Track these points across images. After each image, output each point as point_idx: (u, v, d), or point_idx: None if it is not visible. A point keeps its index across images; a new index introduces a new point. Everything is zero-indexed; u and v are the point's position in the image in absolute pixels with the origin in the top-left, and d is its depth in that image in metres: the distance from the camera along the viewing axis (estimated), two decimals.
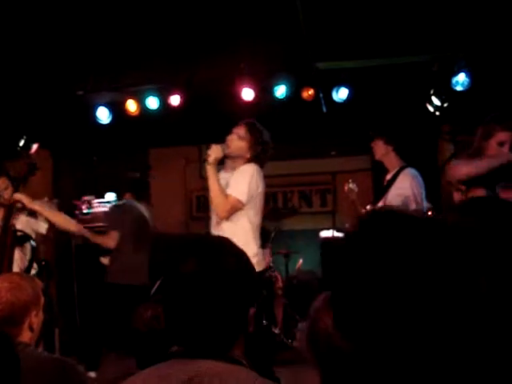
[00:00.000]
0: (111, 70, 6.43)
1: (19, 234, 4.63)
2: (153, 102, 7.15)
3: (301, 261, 7.45)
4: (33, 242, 4.73)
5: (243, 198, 4.19)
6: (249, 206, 4.23)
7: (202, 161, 4.37)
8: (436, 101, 6.49)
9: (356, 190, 5.41)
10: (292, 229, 8.09)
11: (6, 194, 4.68)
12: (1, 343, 1.26)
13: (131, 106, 7.18)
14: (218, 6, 5.61)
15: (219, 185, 4.21)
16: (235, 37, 5.91)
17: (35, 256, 4.75)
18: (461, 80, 6.31)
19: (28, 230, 4.74)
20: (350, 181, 5.50)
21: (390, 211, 1.04)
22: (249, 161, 4.33)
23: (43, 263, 5.33)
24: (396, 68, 6.35)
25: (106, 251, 5.85)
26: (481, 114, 4.02)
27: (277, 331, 6.55)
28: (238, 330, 1.62)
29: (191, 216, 8.98)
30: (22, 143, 7.19)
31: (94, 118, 7.31)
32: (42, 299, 2.49)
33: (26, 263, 4.65)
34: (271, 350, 6.38)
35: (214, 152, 4.24)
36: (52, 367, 2.19)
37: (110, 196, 8.01)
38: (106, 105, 7.28)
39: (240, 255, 1.64)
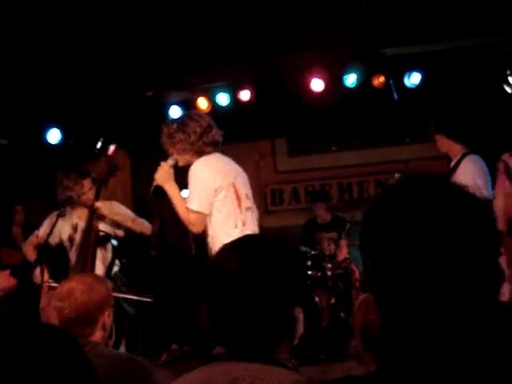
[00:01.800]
0: (180, 69, 6.53)
1: (101, 234, 4.77)
2: (223, 99, 7.22)
3: None
4: (114, 242, 4.88)
5: (199, 208, 3.81)
6: (218, 205, 3.85)
7: (153, 185, 4.07)
8: None
9: None
10: None
11: (91, 195, 4.82)
12: (72, 349, 1.30)
13: (202, 103, 7.28)
14: (284, 0, 5.60)
15: (181, 201, 3.90)
16: (301, 28, 5.87)
17: (117, 255, 4.90)
18: None
19: (109, 231, 4.89)
20: (397, 174, 5.26)
21: (413, 176, 1.16)
22: (198, 157, 3.95)
23: (124, 260, 5.50)
24: (468, 50, 6.16)
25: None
26: None
27: None
28: (283, 332, 1.59)
29: (266, 210, 9.00)
30: (99, 145, 7.43)
31: (168, 116, 7.44)
32: (113, 299, 2.57)
33: (108, 262, 4.80)
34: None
35: (161, 171, 3.98)
36: (123, 365, 2.25)
37: (186, 193, 8.15)
38: (178, 103, 7.40)
39: (283, 253, 1.62)
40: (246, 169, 8.74)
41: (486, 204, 1.16)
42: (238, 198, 3.92)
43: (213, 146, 4.01)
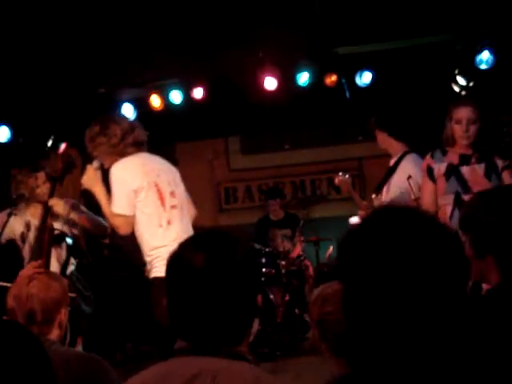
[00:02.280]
0: (132, 67, 6.47)
1: (56, 232, 4.68)
2: (176, 96, 7.17)
3: (331, 248, 7.43)
4: (69, 240, 4.79)
5: (121, 210, 3.84)
6: (140, 205, 3.85)
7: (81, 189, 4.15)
8: (461, 80, 6.41)
9: (349, 180, 5.21)
10: (321, 216, 8.08)
11: (45, 189, 4.73)
12: (30, 342, 1.28)
13: (155, 101, 7.21)
14: None
15: (106, 204, 3.91)
16: (254, 26, 5.89)
17: (72, 253, 4.81)
18: (485, 58, 6.22)
19: (65, 229, 4.80)
20: (341, 173, 5.27)
21: (387, 210, 1.28)
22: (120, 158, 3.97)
23: (84, 260, 5.42)
24: (418, 49, 6.28)
25: None
26: (507, 92, 3.97)
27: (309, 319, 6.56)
28: (246, 325, 1.61)
29: (220, 208, 9.01)
30: (50, 143, 7.30)
31: (120, 114, 7.36)
32: (69, 297, 2.53)
33: (63, 260, 4.72)
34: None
35: (87, 174, 4.02)
36: (79, 363, 2.23)
37: None
38: (131, 101, 7.33)
39: (243, 247, 1.63)
40: (199, 167, 8.85)
41: (455, 233, 1.29)
42: (161, 196, 3.91)
43: (136, 146, 4.01)
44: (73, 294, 4.04)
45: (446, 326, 1.13)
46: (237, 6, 5.74)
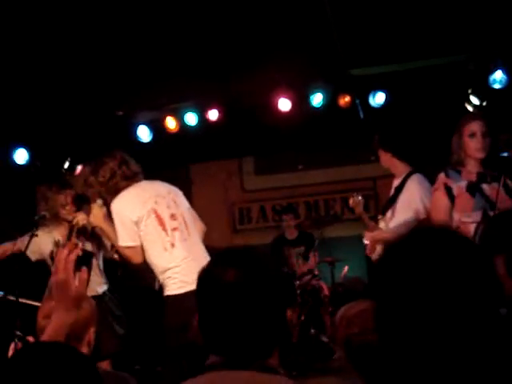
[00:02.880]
0: (148, 89, 6.55)
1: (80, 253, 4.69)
2: (191, 118, 7.26)
3: (346, 268, 7.43)
4: (93, 259, 4.82)
5: (128, 242, 4.03)
6: (143, 234, 4.00)
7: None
8: (475, 100, 6.44)
9: (362, 201, 5.21)
10: (336, 236, 8.08)
11: (73, 207, 4.78)
12: (83, 362, 1.32)
13: (170, 123, 7.30)
14: (249, 20, 5.68)
15: (116, 239, 4.11)
16: (269, 49, 5.95)
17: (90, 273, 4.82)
18: (498, 78, 6.26)
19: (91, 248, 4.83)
20: (355, 194, 5.29)
21: (424, 230, 1.32)
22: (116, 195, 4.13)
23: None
24: (431, 70, 6.32)
25: None
26: None
27: (325, 339, 6.55)
28: (276, 338, 1.64)
29: (234, 229, 9.04)
30: (67, 165, 7.38)
31: (136, 136, 7.45)
32: (97, 316, 2.57)
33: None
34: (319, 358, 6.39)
35: (93, 213, 4.21)
36: (113, 382, 2.26)
37: None
38: (146, 123, 7.43)
39: (273, 261, 1.68)
40: (213, 188, 8.88)
41: (488, 255, 1.31)
42: (161, 222, 4.02)
43: (129, 179, 4.15)
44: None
45: (481, 347, 1.15)
46: (250, 27, 5.81)
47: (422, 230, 1.34)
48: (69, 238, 4.66)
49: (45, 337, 1.79)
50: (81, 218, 4.64)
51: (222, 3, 5.34)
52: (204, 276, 1.68)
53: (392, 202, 4.77)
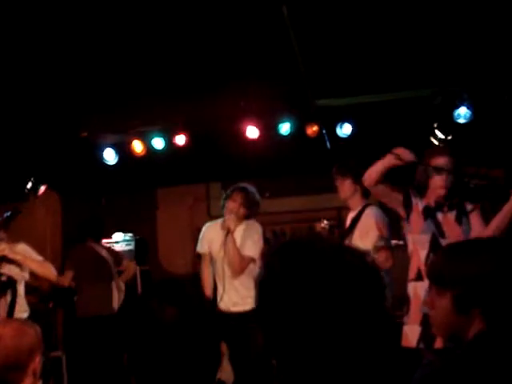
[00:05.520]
0: (115, 112, 6.51)
1: (3, 278, 4.66)
2: (158, 143, 7.21)
3: None
4: (15, 285, 4.76)
5: None
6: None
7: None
8: (440, 134, 6.51)
9: (327, 228, 5.28)
10: None
11: None
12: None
13: (137, 146, 7.24)
14: (218, 47, 5.70)
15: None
16: (236, 76, 5.98)
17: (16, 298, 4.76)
18: (462, 113, 6.36)
19: (14, 273, 4.77)
20: (323, 220, 5.37)
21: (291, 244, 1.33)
22: None
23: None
24: (398, 103, 6.40)
25: None
26: (484, 146, 4.04)
27: None
28: None
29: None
30: (29, 185, 7.27)
31: (101, 158, 7.38)
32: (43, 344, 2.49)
33: (6, 307, 4.66)
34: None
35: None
36: None
37: (119, 236, 8.04)
38: (113, 146, 7.35)
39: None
40: (180, 212, 8.79)
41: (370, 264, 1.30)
42: None
43: None
44: None
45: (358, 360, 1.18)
46: (219, 56, 5.83)
47: (284, 245, 1.32)
48: None
49: None
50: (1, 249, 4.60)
51: (190, 31, 5.35)
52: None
53: (348, 232, 4.82)
